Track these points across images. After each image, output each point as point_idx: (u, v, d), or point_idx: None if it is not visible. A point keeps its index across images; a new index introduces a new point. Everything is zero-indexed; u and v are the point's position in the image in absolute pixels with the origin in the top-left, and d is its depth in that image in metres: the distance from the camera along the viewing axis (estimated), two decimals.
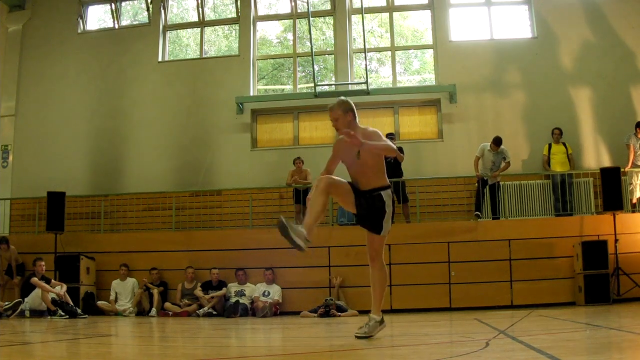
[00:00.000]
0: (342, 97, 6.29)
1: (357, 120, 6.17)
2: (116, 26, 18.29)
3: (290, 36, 18.19)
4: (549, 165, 14.75)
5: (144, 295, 13.57)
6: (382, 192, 6.00)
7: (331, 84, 17.43)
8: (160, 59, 17.77)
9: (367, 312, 12.47)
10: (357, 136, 5.64)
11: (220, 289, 13.28)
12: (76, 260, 13.61)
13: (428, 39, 17.42)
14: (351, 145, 5.75)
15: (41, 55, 17.94)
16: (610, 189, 12.75)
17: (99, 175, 17.05)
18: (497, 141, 14.14)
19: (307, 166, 14.80)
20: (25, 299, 12.69)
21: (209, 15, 18.40)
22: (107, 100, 17.62)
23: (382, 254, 6.33)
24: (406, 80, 17.82)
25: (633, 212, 13.67)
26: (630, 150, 14.12)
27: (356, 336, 5.97)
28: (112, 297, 13.69)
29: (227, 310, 12.77)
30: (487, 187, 14.11)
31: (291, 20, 17.95)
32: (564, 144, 14.83)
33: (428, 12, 17.32)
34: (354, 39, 17.42)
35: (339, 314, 12.14)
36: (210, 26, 18.42)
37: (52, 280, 12.92)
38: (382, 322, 6.18)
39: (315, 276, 13.31)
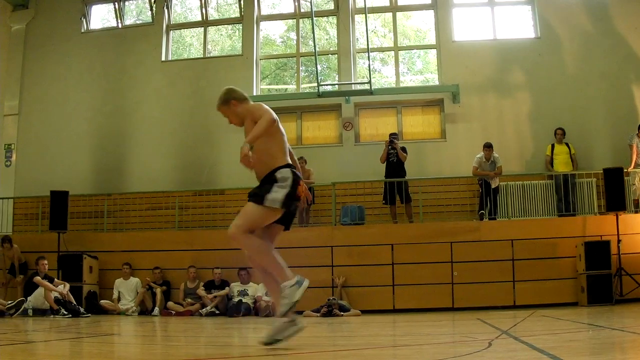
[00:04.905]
0: (223, 90, 5.68)
1: (244, 98, 5.62)
2: (119, 25, 18.31)
3: (293, 36, 18.21)
4: (552, 166, 14.73)
5: (147, 294, 13.58)
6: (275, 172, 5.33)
7: (334, 84, 17.43)
8: (163, 59, 17.79)
9: (369, 312, 12.55)
10: (246, 158, 5.05)
11: (223, 289, 13.29)
12: (79, 260, 13.63)
13: (431, 39, 17.42)
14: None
15: (44, 55, 17.96)
16: (613, 190, 12.73)
17: (102, 174, 17.06)
18: (488, 144, 14.19)
19: (310, 166, 14.79)
20: (28, 298, 12.70)
21: (213, 14, 18.42)
22: (110, 99, 17.64)
23: (243, 229, 5.26)
24: (409, 80, 17.82)
25: (636, 212, 13.64)
26: (633, 150, 14.08)
27: None
28: (115, 296, 13.70)
29: (230, 309, 12.77)
30: (491, 190, 14.07)
31: (294, 20, 17.95)
32: (567, 144, 14.81)
33: (431, 12, 17.30)
34: (357, 38, 17.41)
35: (342, 313, 12.14)
36: (213, 26, 18.45)
37: (55, 279, 12.94)
38: None
39: (318, 276, 13.26)
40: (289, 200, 5.27)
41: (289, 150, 5.51)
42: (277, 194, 5.21)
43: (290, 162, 5.43)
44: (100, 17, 18.88)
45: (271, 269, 5.44)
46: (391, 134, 14.83)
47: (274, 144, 5.37)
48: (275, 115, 5.36)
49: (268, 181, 5.28)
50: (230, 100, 5.57)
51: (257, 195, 5.22)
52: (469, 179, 14.70)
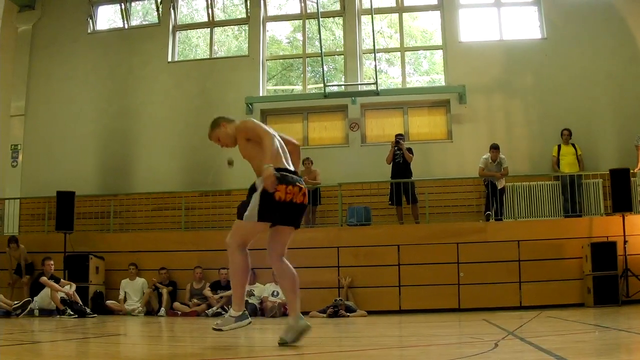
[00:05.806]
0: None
1: (231, 119, 6.10)
2: (126, 26, 18.35)
3: (299, 36, 18.22)
4: (558, 167, 14.70)
5: (153, 295, 13.59)
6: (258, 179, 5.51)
7: (341, 85, 17.44)
8: (169, 59, 17.82)
9: (375, 312, 12.55)
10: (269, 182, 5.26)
11: (229, 289, 13.28)
12: (85, 260, 13.65)
13: (437, 40, 17.41)
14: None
15: (51, 55, 18.01)
16: (620, 190, 12.71)
17: (108, 174, 17.10)
18: (495, 146, 14.13)
19: (316, 166, 14.80)
20: (35, 298, 12.73)
21: (219, 15, 18.44)
22: (116, 100, 17.68)
23: (235, 243, 5.61)
24: (415, 81, 17.81)
25: None
26: (639, 151, 14.04)
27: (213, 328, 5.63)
28: (121, 296, 13.72)
29: None
30: (497, 191, 14.04)
31: (301, 21, 17.96)
32: (574, 145, 14.78)
33: (437, 13, 17.29)
34: (364, 39, 17.42)
35: (348, 314, 12.14)
36: (219, 26, 18.48)
37: (61, 280, 12.96)
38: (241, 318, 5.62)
39: (323, 276, 13.29)
40: (266, 212, 5.37)
41: (282, 153, 5.62)
42: (252, 210, 5.37)
43: (280, 165, 5.49)
44: (107, 18, 18.94)
45: (233, 288, 5.72)
46: (397, 135, 14.81)
47: (260, 150, 5.55)
48: (264, 126, 5.62)
49: (251, 189, 5.52)
50: (220, 122, 6.07)
51: (239, 211, 5.46)
52: (475, 179, 14.68)
